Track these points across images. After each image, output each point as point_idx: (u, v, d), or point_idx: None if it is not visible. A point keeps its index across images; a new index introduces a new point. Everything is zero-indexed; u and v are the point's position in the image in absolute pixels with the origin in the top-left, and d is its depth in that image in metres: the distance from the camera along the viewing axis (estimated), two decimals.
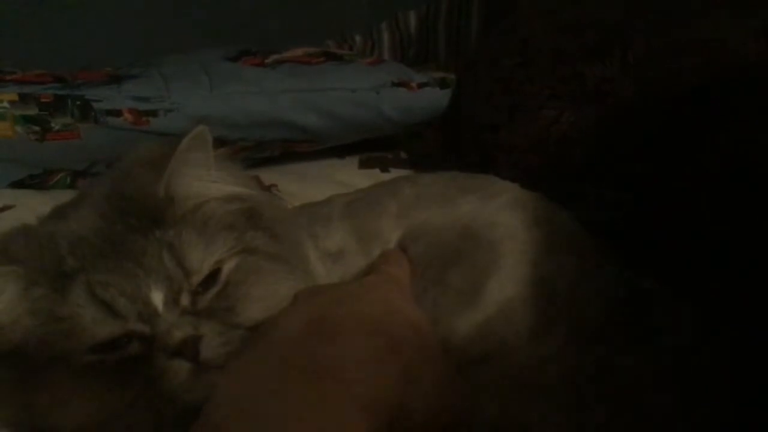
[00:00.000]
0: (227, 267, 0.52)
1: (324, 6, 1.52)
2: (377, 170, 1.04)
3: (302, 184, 0.96)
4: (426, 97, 1.01)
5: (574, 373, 0.55)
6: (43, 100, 0.84)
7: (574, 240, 0.67)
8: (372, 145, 1.07)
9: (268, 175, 0.96)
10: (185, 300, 0.50)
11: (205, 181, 0.54)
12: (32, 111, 0.84)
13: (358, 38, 1.47)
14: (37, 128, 0.84)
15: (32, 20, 1.21)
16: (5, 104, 0.82)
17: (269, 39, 1.20)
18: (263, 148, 0.99)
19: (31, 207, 0.71)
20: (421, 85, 1.01)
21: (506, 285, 0.60)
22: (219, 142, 0.75)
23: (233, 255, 0.53)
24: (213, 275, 0.51)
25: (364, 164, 1.06)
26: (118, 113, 0.87)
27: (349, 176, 1.01)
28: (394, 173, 1.02)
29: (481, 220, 0.66)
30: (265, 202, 0.61)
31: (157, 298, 0.48)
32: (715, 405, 0.54)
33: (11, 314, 0.49)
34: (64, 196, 0.66)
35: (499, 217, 0.67)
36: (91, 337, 0.48)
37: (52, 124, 0.84)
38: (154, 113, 0.88)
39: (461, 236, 0.65)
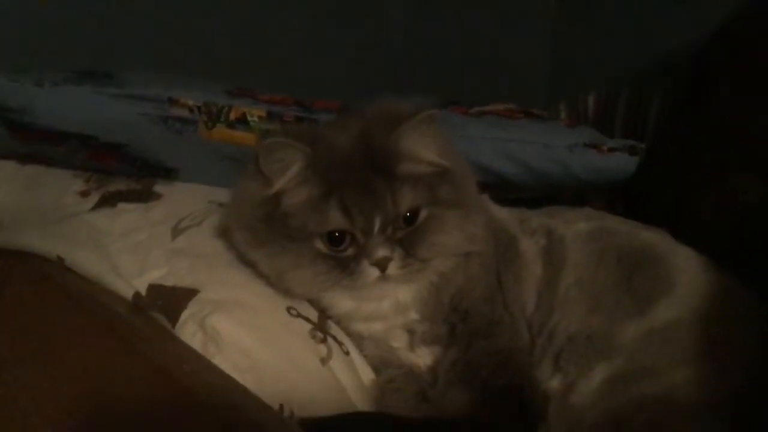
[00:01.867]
0: (422, 215, 0.74)
1: (502, 86, 1.58)
2: None
3: None
4: (615, 161, 1.03)
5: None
6: (285, 119, 1.00)
7: (740, 292, 0.73)
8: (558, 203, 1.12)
9: None
10: (390, 229, 0.73)
11: (423, 147, 0.75)
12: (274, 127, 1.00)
13: None
14: None
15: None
16: (255, 118, 0.99)
17: None
18: None
19: None
20: (611, 150, 1.04)
21: (673, 307, 0.69)
22: None
23: (427, 205, 0.75)
24: (413, 216, 0.74)
25: None
26: None
27: None
28: None
29: (664, 245, 0.77)
30: (456, 167, 0.79)
31: (377, 222, 0.72)
32: None
33: (293, 182, 0.73)
34: None
35: (680, 247, 0.77)
36: (330, 225, 0.72)
37: None
38: None
39: (645, 250, 0.76)
